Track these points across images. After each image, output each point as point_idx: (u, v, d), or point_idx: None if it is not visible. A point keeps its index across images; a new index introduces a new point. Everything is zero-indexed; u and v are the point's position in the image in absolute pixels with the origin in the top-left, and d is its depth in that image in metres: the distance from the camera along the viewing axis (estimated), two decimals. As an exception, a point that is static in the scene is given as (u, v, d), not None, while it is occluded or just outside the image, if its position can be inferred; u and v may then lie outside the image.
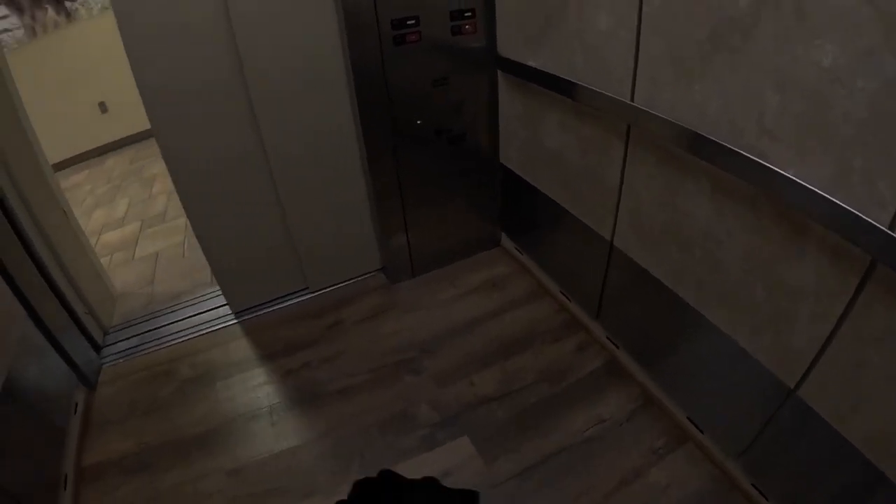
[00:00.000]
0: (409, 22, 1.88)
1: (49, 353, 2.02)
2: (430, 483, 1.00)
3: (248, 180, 2.12)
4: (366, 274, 2.62)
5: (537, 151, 2.03)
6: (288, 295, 2.56)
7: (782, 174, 1.03)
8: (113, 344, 2.49)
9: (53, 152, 4.75)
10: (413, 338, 2.22)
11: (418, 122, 2.09)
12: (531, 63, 1.86)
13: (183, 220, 3.49)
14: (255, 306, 2.52)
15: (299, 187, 2.19)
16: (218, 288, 2.70)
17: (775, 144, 1.06)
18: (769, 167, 1.06)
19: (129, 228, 3.57)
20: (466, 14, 1.96)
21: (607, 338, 2.00)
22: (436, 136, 2.16)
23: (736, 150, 1.12)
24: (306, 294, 2.56)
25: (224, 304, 2.57)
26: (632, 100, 1.41)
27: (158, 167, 4.43)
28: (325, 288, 2.57)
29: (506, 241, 2.63)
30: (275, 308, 2.51)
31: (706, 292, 1.42)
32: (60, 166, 4.89)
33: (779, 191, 1.06)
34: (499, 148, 2.31)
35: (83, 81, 4.71)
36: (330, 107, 2.05)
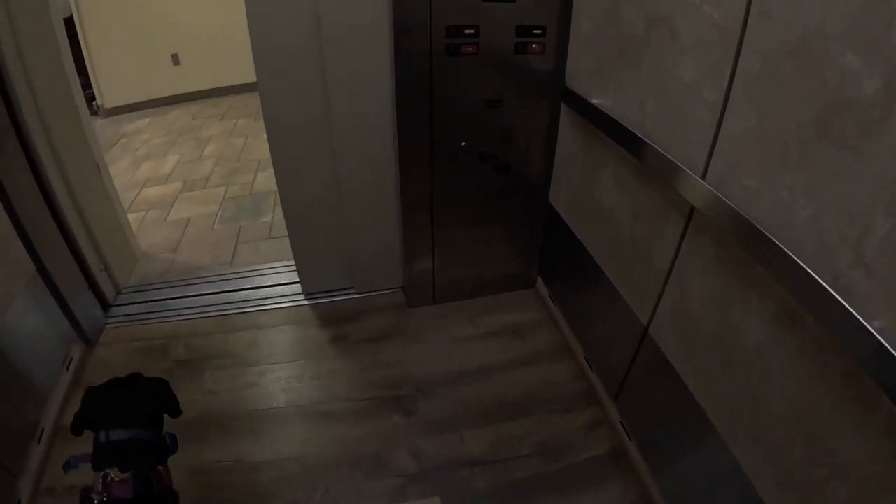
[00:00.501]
0: (467, 31, 1.70)
1: (50, 304, 2.00)
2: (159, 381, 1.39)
3: (317, 157, 2.04)
4: (390, 289, 2.47)
5: (588, 203, 1.81)
6: (335, 291, 2.47)
7: (864, 325, 0.80)
8: (122, 305, 2.48)
9: (121, 95, 5.00)
10: (413, 373, 2.06)
11: (462, 143, 1.91)
12: (595, 101, 1.64)
13: (222, 190, 3.48)
14: (317, 293, 2.47)
15: (348, 178, 2.08)
16: (234, 271, 2.65)
17: (868, 283, 0.83)
18: (849, 311, 0.82)
19: (171, 187, 3.60)
20: (536, 31, 1.76)
21: (621, 423, 1.79)
22: (479, 160, 1.97)
23: (815, 276, 0.88)
24: (350, 294, 2.46)
25: (234, 290, 2.51)
26: (703, 176, 1.19)
27: (216, 129, 4.49)
28: (370, 292, 2.46)
29: (541, 286, 2.43)
30: (314, 302, 2.43)
31: (737, 423, 1.20)
32: (125, 110, 5.07)
33: (853, 343, 0.83)
34: (549, 186, 2.09)
35: (160, 31, 4.83)
36: (370, 102, 1.90)
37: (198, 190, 3.53)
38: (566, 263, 2.14)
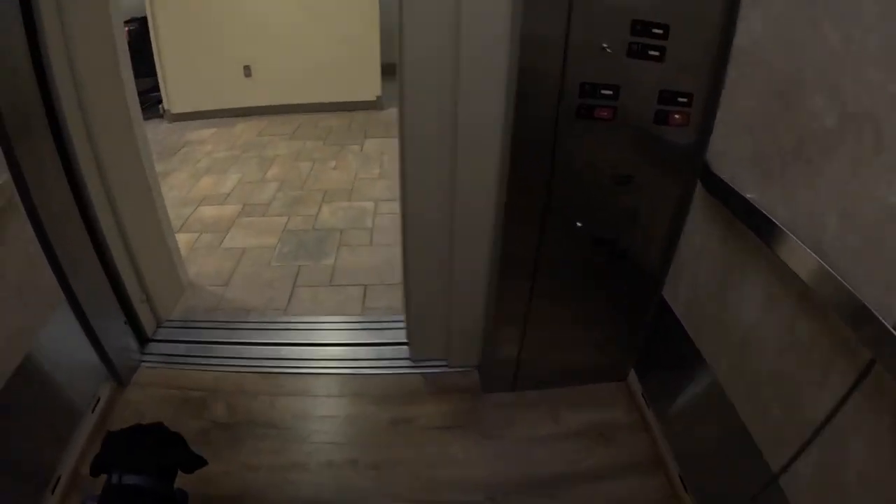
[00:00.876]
0: (604, 91, 1.54)
1: (80, 337, 1.94)
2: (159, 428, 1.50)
3: (439, 207, 1.93)
4: (464, 368, 2.31)
5: (718, 311, 1.61)
6: (427, 361, 2.33)
7: None
8: (162, 342, 2.42)
9: (189, 102, 5.15)
10: (483, 477, 1.88)
11: (578, 224, 1.74)
12: (749, 195, 1.45)
13: (283, 220, 3.43)
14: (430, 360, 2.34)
15: (451, 243, 1.96)
16: (289, 320, 2.57)
17: None
18: None
19: (229, 209, 3.57)
20: (681, 99, 1.58)
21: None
22: (593, 245, 1.80)
23: None
24: (441, 367, 2.31)
25: (287, 344, 2.41)
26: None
27: (283, 149, 4.49)
28: (454, 368, 2.31)
29: (633, 381, 2.22)
30: (376, 373, 2.30)
31: None
32: (192, 117, 5.20)
33: None
34: (667, 275, 1.91)
35: (234, 41, 4.96)
36: (483, 156, 1.77)
37: (257, 216, 3.49)
38: (673, 367, 1.93)
